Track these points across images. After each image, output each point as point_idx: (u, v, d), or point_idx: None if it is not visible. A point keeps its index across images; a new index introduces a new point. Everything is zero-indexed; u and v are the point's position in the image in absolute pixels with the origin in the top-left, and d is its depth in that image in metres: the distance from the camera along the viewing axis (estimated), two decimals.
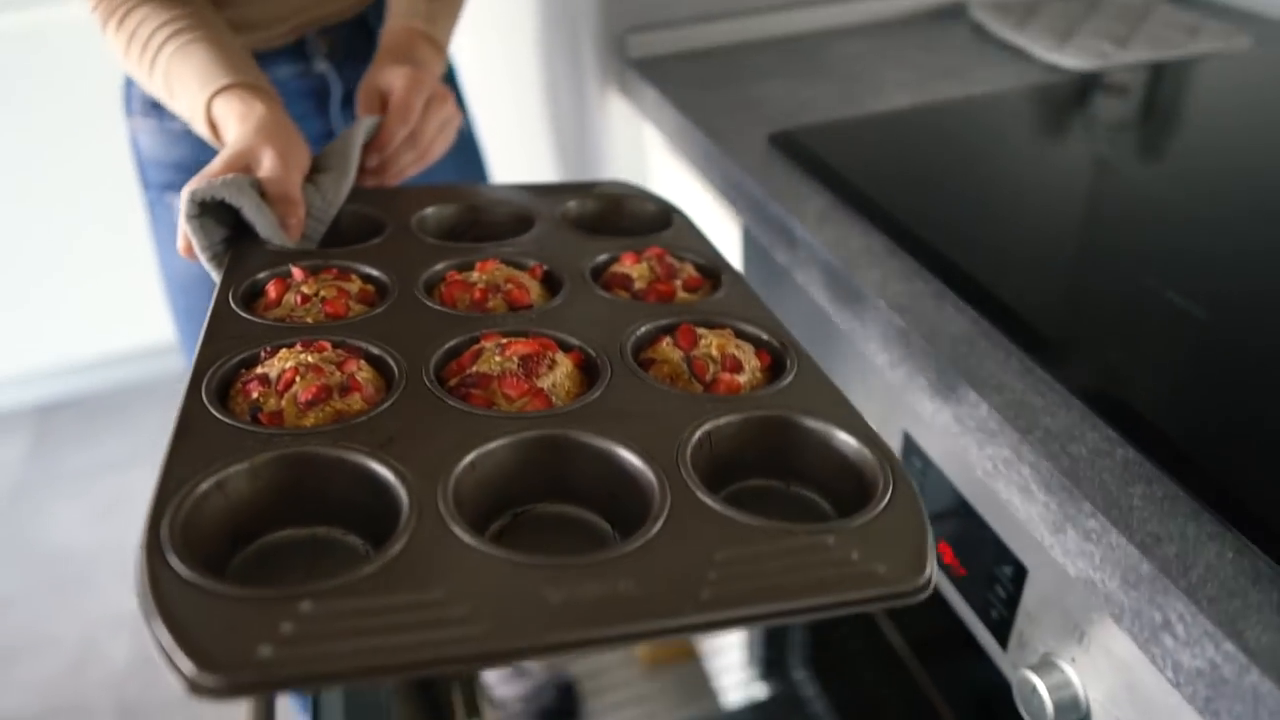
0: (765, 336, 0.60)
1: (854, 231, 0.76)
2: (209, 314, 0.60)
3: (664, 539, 0.43)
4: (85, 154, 2.10)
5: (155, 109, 0.96)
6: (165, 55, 0.77)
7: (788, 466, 0.53)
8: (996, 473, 0.57)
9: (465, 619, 0.38)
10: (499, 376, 0.53)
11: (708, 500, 0.45)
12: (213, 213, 0.68)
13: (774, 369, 0.59)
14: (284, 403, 0.51)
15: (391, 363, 0.55)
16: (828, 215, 0.78)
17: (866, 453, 0.49)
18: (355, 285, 0.64)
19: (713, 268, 0.70)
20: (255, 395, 0.51)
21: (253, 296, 0.64)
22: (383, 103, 0.82)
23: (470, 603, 0.39)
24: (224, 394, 0.53)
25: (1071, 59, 1.07)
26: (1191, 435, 0.52)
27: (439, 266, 0.68)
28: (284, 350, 0.54)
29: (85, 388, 2.42)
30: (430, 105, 0.82)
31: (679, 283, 0.67)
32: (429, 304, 0.62)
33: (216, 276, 0.70)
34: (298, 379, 0.51)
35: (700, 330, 0.59)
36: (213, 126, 0.77)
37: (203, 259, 0.69)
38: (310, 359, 0.53)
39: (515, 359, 0.54)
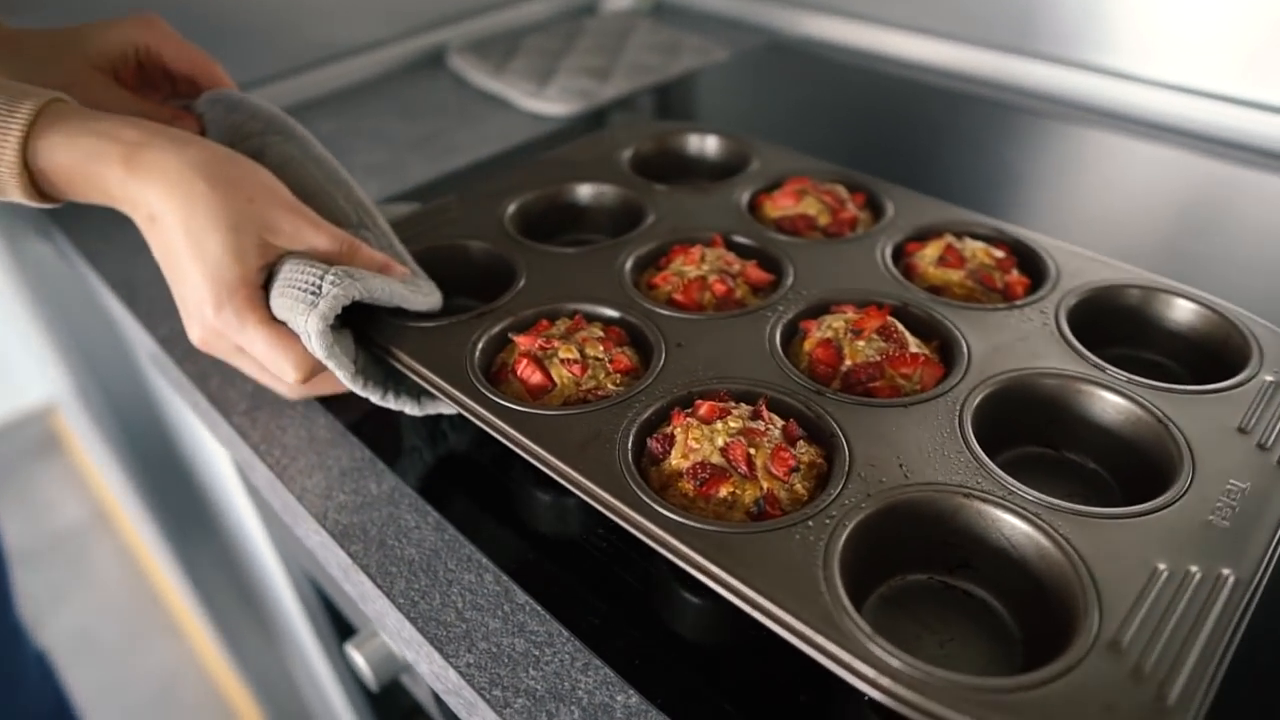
0: (994, 231, 0.63)
1: None
2: (516, 435, 0.47)
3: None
4: None
5: None
6: None
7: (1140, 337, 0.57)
8: None
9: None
10: (884, 361, 0.51)
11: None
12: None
13: (1013, 256, 0.62)
14: (766, 483, 0.44)
15: (778, 396, 0.50)
16: None
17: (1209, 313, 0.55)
18: (598, 328, 0.55)
19: (854, 181, 0.69)
20: (727, 492, 0.44)
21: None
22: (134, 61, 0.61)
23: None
24: None
25: (553, 105, 0.99)
26: None
27: (628, 273, 0.60)
28: (680, 430, 0.46)
29: None
30: None
31: (852, 207, 0.66)
32: (708, 319, 0.55)
33: (379, 398, 0.55)
34: (753, 450, 0.45)
35: (949, 243, 0.60)
36: (37, 186, 0.49)
37: (356, 388, 0.54)
38: (734, 424, 0.46)
39: (877, 338, 0.52)
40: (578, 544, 0.51)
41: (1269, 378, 0.50)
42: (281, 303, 0.51)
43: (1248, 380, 0.50)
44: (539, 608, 0.48)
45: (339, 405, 0.61)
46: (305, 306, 0.50)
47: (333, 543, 0.52)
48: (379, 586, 0.49)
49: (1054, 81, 0.97)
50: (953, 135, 0.94)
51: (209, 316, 0.51)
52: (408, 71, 1.13)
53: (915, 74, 1.06)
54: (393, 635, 0.50)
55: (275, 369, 0.53)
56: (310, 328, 0.50)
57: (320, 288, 0.50)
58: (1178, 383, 0.50)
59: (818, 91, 1.07)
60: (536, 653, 0.45)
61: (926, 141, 0.93)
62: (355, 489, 0.56)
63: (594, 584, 0.48)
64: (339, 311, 0.50)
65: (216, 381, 0.65)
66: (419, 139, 0.96)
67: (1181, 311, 0.56)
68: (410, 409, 0.57)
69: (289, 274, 0.51)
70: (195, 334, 0.53)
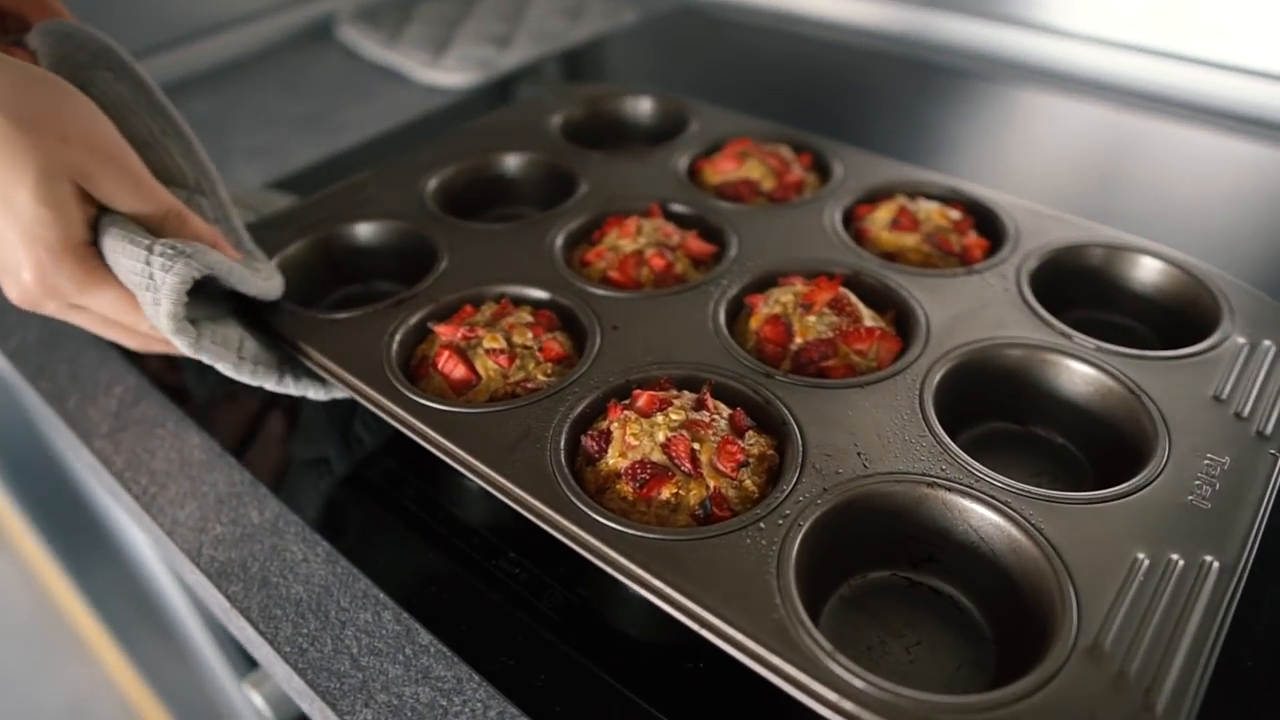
0: (949, 190, 0.59)
1: None
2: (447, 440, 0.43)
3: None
4: None
5: None
6: None
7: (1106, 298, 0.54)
8: None
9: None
10: (837, 337, 0.47)
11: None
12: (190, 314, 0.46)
13: (970, 216, 0.58)
14: (713, 481, 0.40)
15: (724, 381, 0.45)
16: None
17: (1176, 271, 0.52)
18: (526, 313, 0.50)
19: (799, 141, 0.65)
20: (670, 493, 0.40)
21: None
22: None
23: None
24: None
25: (451, 75, 0.93)
26: None
27: (558, 250, 0.55)
28: (617, 425, 0.42)
29: None
30: None
31: (798, 169, 0.62)
32: (646, 298, 0.51)
33: (274, 384, 0.50)
34: (697, 445, 0.41)
35: (903, 205, 0.56)
36: None
37: (244, 378, 0.48)
38: (675, 416, 0.42)
39: (828, 312, 0.48)
40: (488, 572, 0.45)
41: (1241, 339, 0.47)
42: (123, 278, 0.45)
43: (1220, 343, 0.47)
44: (445, 649, 0.42)
45: (215, 423, 0.55)
46: (150, 309, 0.44)
47: (208, 583, 0.46)
48: (262, 633, 0.43)
49: (971, 36, 0.93)
50: (872, 96, 0.90)
51: (27, 281, 0.44)
52: (293, 44, 1.05)
53: (832, 34, 1.02)
54: (284, 684, 0.44)
55: (131, 325, 0.47)
56: (163, 328, 0.44)
57: (152, 275, 0.43)
58: (1145, 347, 0.47)
59: (732, 55, 1.01)
60: (444, 703, 0.40)
61: (845, 103, 0.89)
62: (234, 518, 0.49)
63: (507, 618, 0.43)
64: (185, 300, 0.44)
65: (75, 400, 0.57)
66: (305, 117, 0.89)
67: (1148, 271, 0.53)
68: (314, 393, 0.52)
69: (113, 251, 0.44)
70: (13, 295, 0.46)
